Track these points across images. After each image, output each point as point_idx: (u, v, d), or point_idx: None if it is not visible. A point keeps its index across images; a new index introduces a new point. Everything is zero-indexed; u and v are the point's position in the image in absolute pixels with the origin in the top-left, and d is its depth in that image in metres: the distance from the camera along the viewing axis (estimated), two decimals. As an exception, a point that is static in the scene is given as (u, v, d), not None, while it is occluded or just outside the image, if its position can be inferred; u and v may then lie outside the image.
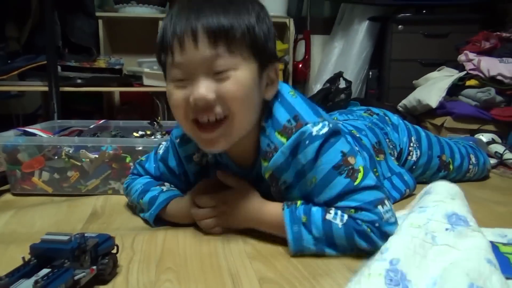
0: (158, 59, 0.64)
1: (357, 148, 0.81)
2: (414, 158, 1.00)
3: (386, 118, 1.03)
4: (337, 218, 0.60)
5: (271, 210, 0.66)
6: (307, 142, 0.62)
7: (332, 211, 0.61)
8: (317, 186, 0.62)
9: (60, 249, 0.49)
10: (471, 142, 1.17)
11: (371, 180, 0.62)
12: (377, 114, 1.03)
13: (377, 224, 0.59)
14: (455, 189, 0.63)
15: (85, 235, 0.53)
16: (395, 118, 1.05)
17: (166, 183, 0.79)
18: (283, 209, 0.63)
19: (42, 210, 0.85)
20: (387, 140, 0.96)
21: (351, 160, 0.63)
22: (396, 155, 0.98)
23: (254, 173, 0.71)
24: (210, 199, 0.69)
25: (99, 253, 0.53)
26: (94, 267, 0.51)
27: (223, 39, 0.57)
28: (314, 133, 0.62)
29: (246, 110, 0.62)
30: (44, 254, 0.50)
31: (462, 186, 1.01)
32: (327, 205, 0.63)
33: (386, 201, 0.61)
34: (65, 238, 0.50)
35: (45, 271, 0.47)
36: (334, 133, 0.63)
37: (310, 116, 0.63)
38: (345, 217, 0.60)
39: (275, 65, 0.66)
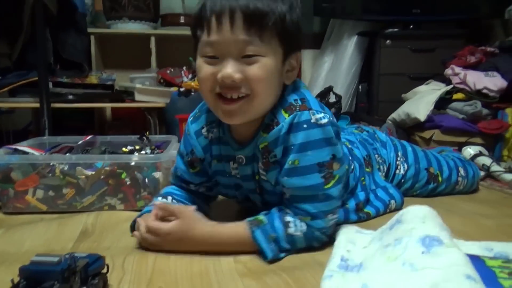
0: (192, 32, 0.69)
1: (350, 158, 0.87)
2: (402, 171, 1.03)
3: (376, 135, 1.06)
4: (297, 230, 0.67)
5: (230, 231, 0.69)
6: (304, 126, 0.66)
7: (292, 222, 0.67)
8: (295, 170, 0.67)
9: (50, 271, 0.49)
10: (461, 156, 1.19)
11: (336, 190, 0.69)
12: (367, 131, 1.07)
13: (324, 230, 0.70)
14: (424, 211, 0.65)
15: (75, 255, 0.53)
16: (383, 135, 1.09)
17: (169, 196, 0.81)
18: (252, 230, 0.67)
19: (32, 229, 0.84)
20: (377, 155, 1.00)
21: (335, 166, 0.69)
22: (385, 170, 1.01)
23: (247, 150, 0.74)
24: (157, 231, 0.69)
25: (89, 274, 0.53)
26: None
27: (257, 25, 0.62)
28: (312, 120, 0.66)
29: (267, 92, 0.67)
30: (34, 276, 0.49)
31: (450, 199, 1.06)
32: (291, 199, 0.69)
33: (336, 211, 0.71)
34: (55, 259, 0.50)
35: None
36: (338, 135, 0.70)
37: (315, 105, 0.69)
38: (303, 226, 0.68)
39: (298, 54, 0.71)
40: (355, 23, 2.36)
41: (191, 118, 0.82)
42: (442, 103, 1.74)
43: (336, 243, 0.70)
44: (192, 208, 0.71)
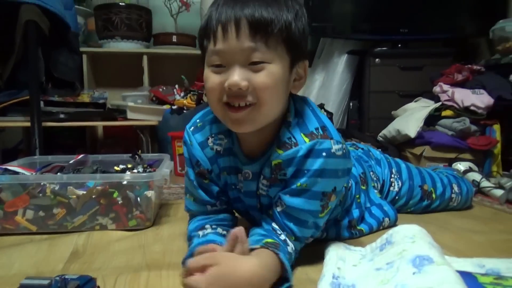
0: (200, 43, 0.69)
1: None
2: (396, 188, 1.04)
3: (370, 153, 1.07)
4: (291, 249, 0.68)
5: (269, 262, 0.62)
6: (323, 154, 0.66)
7: (287, 240, 0.68)
8: (302, 192, 0.68)
9: None
10: (455, 172, 1.21)
11: (324, 221, 0.73)
12: (362, 149, 1.08)
13: (300, 249, 0.72)
14: (413, 230, 0.66)
15: (66, 277, 0.52)
16: (377, 153, 1.09)
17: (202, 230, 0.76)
18: (276, 253, 0.63)
19: (21, 250, 0.83)
20: (371, 172, 1.01)
21: (332, 197, 0.70)
22: (379, 187, 1.02)
23: (256, 166, 0.73)
24: (199, 260, 0.59)
25: None
26: None
27: (262, 32, 0.62)
28: (332, 150, 0.67)
29: (274, 100, 0.66)
30: None
31: (442, 215, 1.06)
32: (283, 214, 0.69)
33: (315, 236, 0.74)
34: (45, 282, 0.50)
35: None
36: (348, 171, 0.71)
37: (335, 134, 0.69)
38: (293, 246, 0.69)
39: (305, 63, 0.71)
40: (345, 42, 2.40)
41: (192, 128, 0.79)
42: (432, 119, 1.77)
43: (326, 260, 0.70)
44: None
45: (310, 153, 0.67)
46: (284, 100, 0.69)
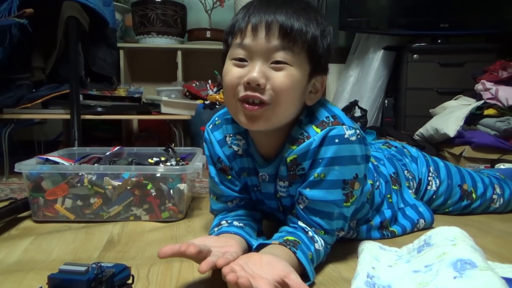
0: (224, 39, 0.70)
1: (375, 174, 0.85)
2: (433, 187, 1.00)
3: (405, 150, 1.04)
4: (320, 245, 0.68)
5: (282, 258, 0.60)
6: (336, 140, 0.65)
7: (315, 237, 0.68)
8: (320, 182, 0.67)
9: (77, 280, 0.50)
10: (497, 174, 1.14)
11: (351, 210, 0.71)
12: (395, 147, 1.04)
13: (332, 243, 0.71)
14: (454, 232, 0.64)
15: (102, 265, 0.53)
16: (413, 150, 1.06)
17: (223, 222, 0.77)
18: (293, 251, 0.62)
19: (60, 237, 0.86)
20: (406, 171, 0.97)
21: (356, 185, 0.69)
22: (415, 186, 0.98)
23: (271, 168, 0.73)
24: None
25: (115, 284, 0.53)
26: None
27: (290, 37, 0.63)
28: (346, 136, 0.66)
29: (289, 103, 0.66)
30: (61, 285, 0.50)
31: (483, 218, 1.01)
32: (307, 211, 0.68)
33: (345, 228, 0.72)
34: (82, 269, 0.51)
35: None
36: (367, 158, 0.69)
37: (347, 121, 0.68)
38: (322, 242, 0.68)
39: (323, 78, 0.71)
40: (381, 37, 2.34)
41: (211, 126, 0.80)
42: (473, 118, 1.69)
43: (360, 259, 0.68)
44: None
45: (323, 141, 0.66)
46: (299, 106, 0.69)
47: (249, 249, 0.68)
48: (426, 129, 1.80)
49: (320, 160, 0.66)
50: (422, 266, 0.60)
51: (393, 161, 0.96)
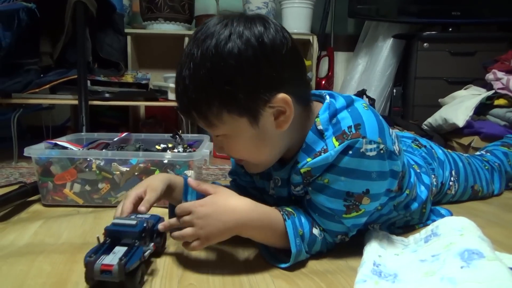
0: None
1: (413, 183, 0.79)
2: (453, 192, 1.01)
3: (433, 151, 0.99)
4: (318, 233, 0.66)
5: (266, 209, 0.63)
6: (350, 152, 0.61)
7: (315, 223, 0.67)
8: (323, 188, 0.64)
9: (130, 231, 0.59)
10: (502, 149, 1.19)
11: (353, 222, 0.66)
12: (425, 147, 1.00)
13: (332, 243, 0.69)
14: (462, 222, 0.63)
15: (146, 218, 0.63)
16: (440, 152, 1.01)
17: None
18: (284, 219, 0.63)
19: (69, 221, 0.87)
20: (433, 176, 0.93)
21: (365, 200, 0.64)
22: (437, 190, 0.97)
23: (283, 172, 0.71)
24: (187, 206, 0.61)
25: (155, 233, 0.65)
26: (152, 244, 0.63)
27: (206, 118, 0.61)
28: (361, 150, 0.61)
29: (258, 154, 0.66)
30: (115, 235, 0.59)
31: (492, 209, 1.01)
32: (311, 204, 0.67)
33: (349, 235, 0.69)
34: (133, 222, 0.60)
35: (119, 248, 0.56)
36: (385, 174, 0.65)
37: (371, 132, 0.62)
38: (321, 233, 0.67)
39: (275, 98, 0.60)
40: (391, 25, 2.30)
41: None
42: (483, 108, 1.68)
43: (366, 247, 0.68)
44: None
45: (339, 155, 0.62)
46: (276, 139, 0.65)
47: None
48: (434, 119, 1.78)
49: (329, 168, 0.63)
50: (429, 256, 0.60)
51: (427, 170, 0.91)
